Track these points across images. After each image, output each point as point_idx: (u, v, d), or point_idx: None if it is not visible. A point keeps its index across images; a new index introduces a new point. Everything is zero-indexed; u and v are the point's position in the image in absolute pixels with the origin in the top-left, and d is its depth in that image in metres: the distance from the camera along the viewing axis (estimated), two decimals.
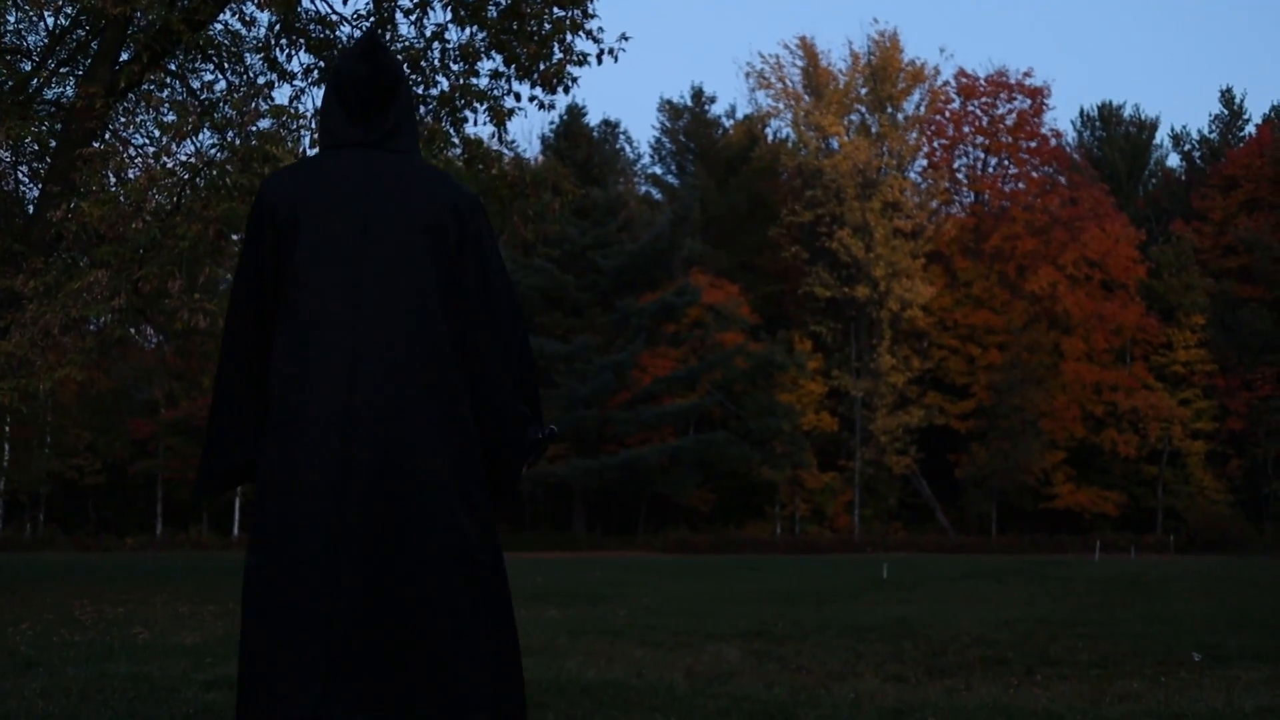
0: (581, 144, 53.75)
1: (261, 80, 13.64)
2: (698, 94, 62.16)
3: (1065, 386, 51.48)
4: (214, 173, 10.34)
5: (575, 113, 55.64)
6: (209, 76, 13.81)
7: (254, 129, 11.25)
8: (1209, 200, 57.53)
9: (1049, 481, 51.07)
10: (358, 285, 2.75)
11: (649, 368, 50.77)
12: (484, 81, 13.52)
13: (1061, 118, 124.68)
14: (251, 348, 2.84)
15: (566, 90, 13.43)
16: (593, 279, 50.52)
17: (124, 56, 13.03)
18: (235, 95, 12.19)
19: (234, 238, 13.09)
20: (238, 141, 11.40)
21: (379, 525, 2.67)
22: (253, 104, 11.66)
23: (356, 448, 2.67)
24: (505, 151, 13.00)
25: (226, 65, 13.86)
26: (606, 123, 61.11)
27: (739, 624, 10.50)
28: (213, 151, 11.25)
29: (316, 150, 3.28)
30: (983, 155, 57.67)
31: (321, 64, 13.82)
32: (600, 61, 13.29)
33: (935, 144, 57.13)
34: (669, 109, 62.59)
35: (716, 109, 63.93)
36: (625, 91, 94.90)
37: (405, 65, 13.06)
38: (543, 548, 43.61)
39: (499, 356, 2.90)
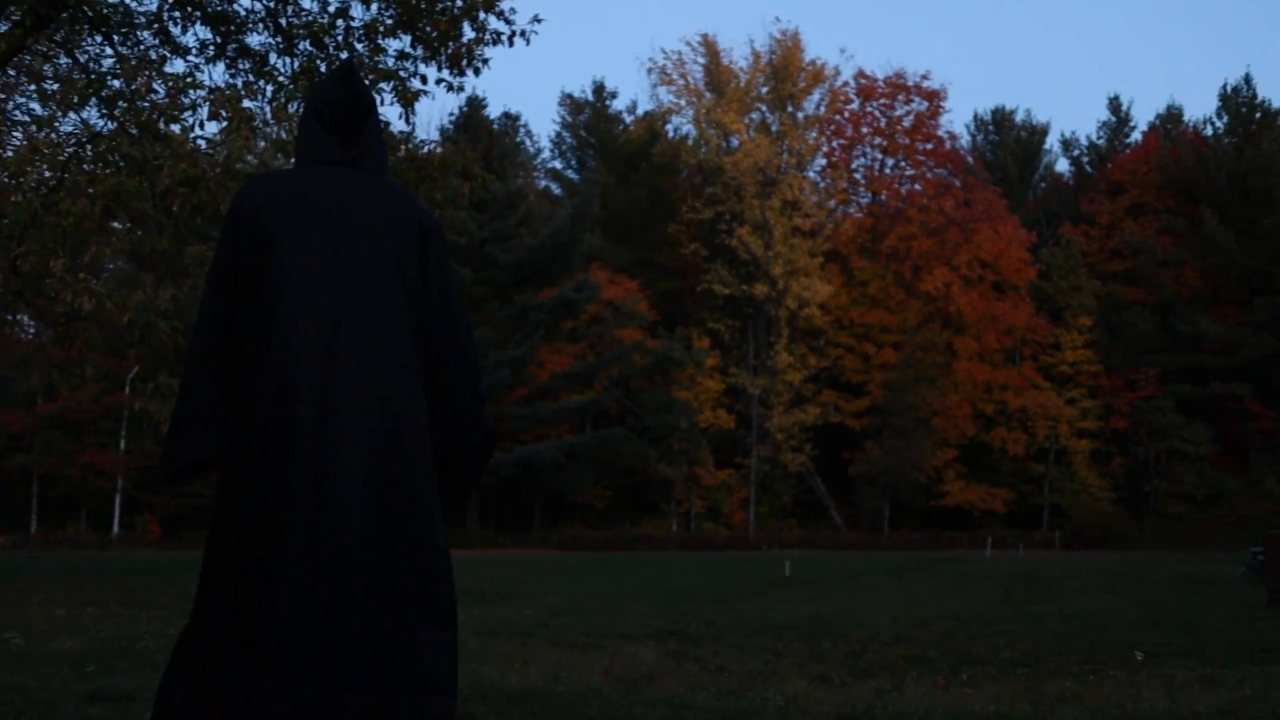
0: (481, 136, 53.02)
1: (154, 56, 12.94)
2: (599, 89, 61.84)
3: (957, 385, 52.26)
4: (102, 146, 9.70)
5: (475, 104, 54.97)
6: (96, 49, 13.06)
7: (145, 103, 10.61)
8: (1097, 205, 58.91)
9: (940, 479, 51.81)
10: (334, 293, 2.90)
11: (546, 364, 50.36)
12: (390, 61, 13.01)
13: (956, 121, 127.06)
14: (219, 349, 2.95)
15: (477, 72, 12.95)
16: (491, 273, 49.90)
17: (2, 28, 12.24)
18: (126, 65, 11.48)
19: (116, 225, 12.43)
20: (129, 117, 10.74)
21: (363, 523, 2.81)
22: (144, 77, 11.00)
23: (344, 453, 2.81)
24: (412, 133, 12.51)
25: (116, 37, 13.11)
26: (507, 115, 60.51)
27: (651, 623, 10.22)
28: (100, 123, 10.58)
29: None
30: (880, 156, 58.35)
31: (218, 39, 13.17)
32: (512, 43, 12.85)
33: (834, 144, 57.67)
34: (570, 103, 62.14)
35: (618, 104, 63.79)
36: (526, 85, 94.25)
37: (309, 40, 12.53)
38: None
39: (459, 366, 3.07)
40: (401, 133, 12.62)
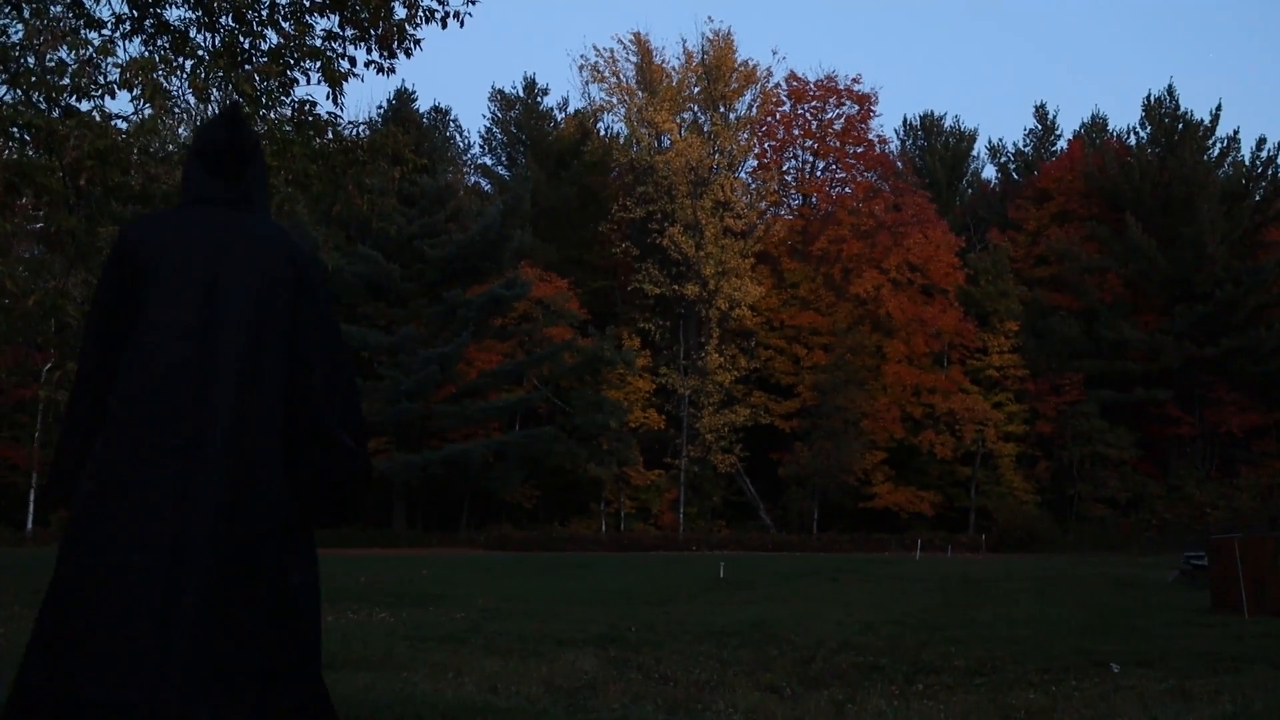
0: (410, 129, 52.03)
1: (66, 28, 12.22)
2: (530, 85, 61.23)
3: (886, 388, 52.38)
4: (3, 113, 9.05)
5: (404, 97, 54.13)
6: (2, 19, 12.30)
7: (55, 76, 9.95)
8: (1023, 211, 59.47)
9: (869, 481, 51.86)
10: (207, 329, 3.05)
11: (475, 361, 49.64)
12: (318, 42, 12.41)
13: (886, 125, 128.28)
14: (103, 379, 3.08)
15: (408, 54, 12.37)
16: (419, 269, 49.07)
17: None
18: (35, 41, 10.78)
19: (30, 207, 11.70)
20: (38, 90, 10.07)
21: (219, 552, 2.92)
22: (53, 50, 10.34)
23: (202, 480, 2.93)
24: (340, 114, 11.93)
25: (26, 9, 12.38)
26: (437, 109, 59.70)
27: (588, 628, 9.79)
28: (2, 90, 9.88)
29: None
30: (811, 158, 58.36)
31: (134, 13, 12.49)
32: (445, 25, 12.33)
33: (765, 145, 57.56)
34: (500, 99, 61.46)
35: (549, 101, 63.22)
36: (456, 79, 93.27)
37: (231, 15, 11.92)
38: (361, 544, 41.95)
39: (332, 396, 3.20)
40: (330, 114, 12.02)
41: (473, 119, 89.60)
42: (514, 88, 62.47)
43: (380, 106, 54.69)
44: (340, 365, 3.26)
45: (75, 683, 2.82)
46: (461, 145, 63.06)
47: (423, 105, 57.00)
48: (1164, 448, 53.39)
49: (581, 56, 76.40)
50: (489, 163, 62.53)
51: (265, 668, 2.95)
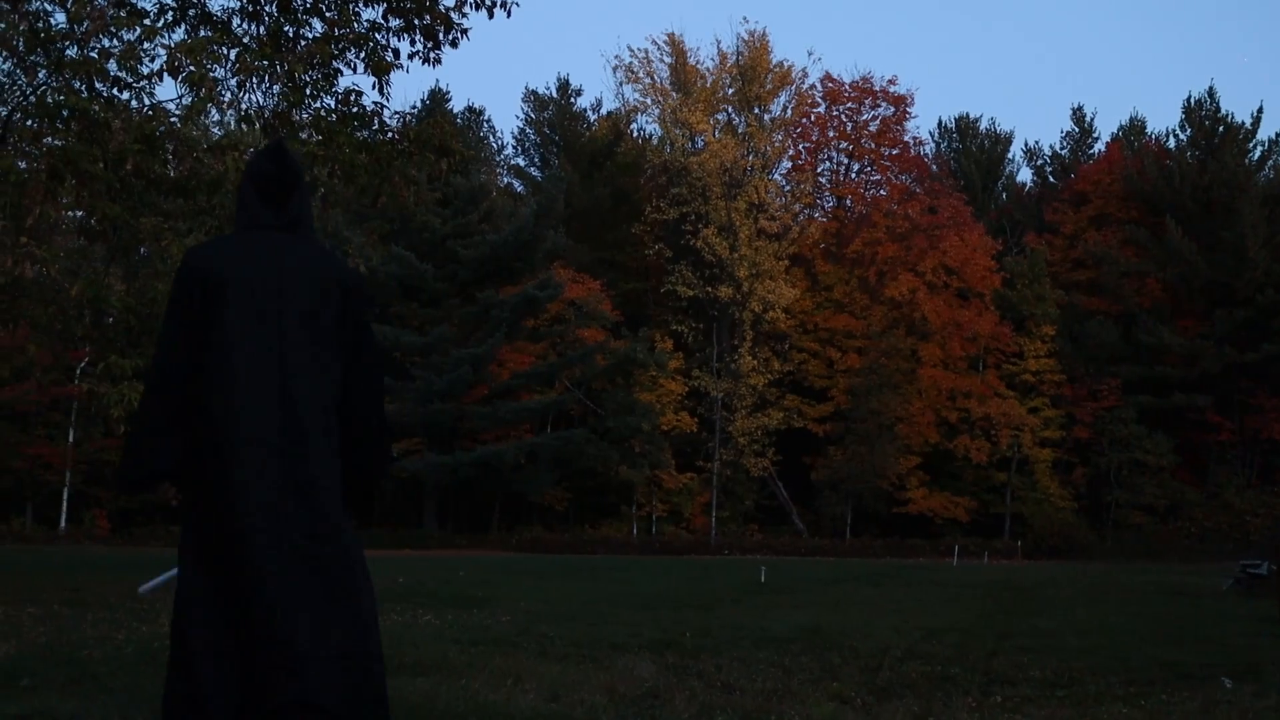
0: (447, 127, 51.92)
1: (109, 19, 12.04)
2: (564, 85, 61.06)
3: (921, 392, 51.80)
4: (46, 97, 8.83)
5: (439, 97, 54.01)
6: (38, 3, 12.11)
7: (99, 63, 9.75)
8: (1060, 214, 58.73)
9: (903, 486, 51.26)
10: (276, 339, 3.47)
11: (507, 362, 49.46)
12: (363, 29, 12.20)
13: (921, 128, 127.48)
14: (175, 384, 3.49)
15: (454, 44, 12.19)
16: (452, 269, 48.93)
17: None
18: (78, 29, 10.59)
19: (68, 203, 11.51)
20: (81, 78, 9.88)
21: (304, 528, 3.41)
22: (98, 40, 10.15)
23: (288, 467, 3.41)
24: (386, 104, 11.70)
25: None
26: (470, 109, 59.59)
27: (640, 632, 9.50)
28: (42, 75, 9.67)
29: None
30: (846, 160, 57.85)
31: (177, 3, 12.30)
32: (492, 14, 12.11)
33: (800, 147, 57.10)
34: (534, 100, 61.32)
35: (582, 102, 63.02)
36: (490, 79, 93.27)
37: (274, 4, 11.71)
38: (391, 545, 41.83)
39: (371, 400, 3.68)
40: (376, 104, 11.81)
41: (506, 120, 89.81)
42: (547, 89, 62.39)
43: (414, 106, 54.57)
44: (375, 375, 3.71)
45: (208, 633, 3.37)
46: (495, 146, 63.02)
47: (457, 105, 56.97)
48: (1203, 454, 52.59)
49: (615, 57, 76.01)
50: (522, 164, 62.47)
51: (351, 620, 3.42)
